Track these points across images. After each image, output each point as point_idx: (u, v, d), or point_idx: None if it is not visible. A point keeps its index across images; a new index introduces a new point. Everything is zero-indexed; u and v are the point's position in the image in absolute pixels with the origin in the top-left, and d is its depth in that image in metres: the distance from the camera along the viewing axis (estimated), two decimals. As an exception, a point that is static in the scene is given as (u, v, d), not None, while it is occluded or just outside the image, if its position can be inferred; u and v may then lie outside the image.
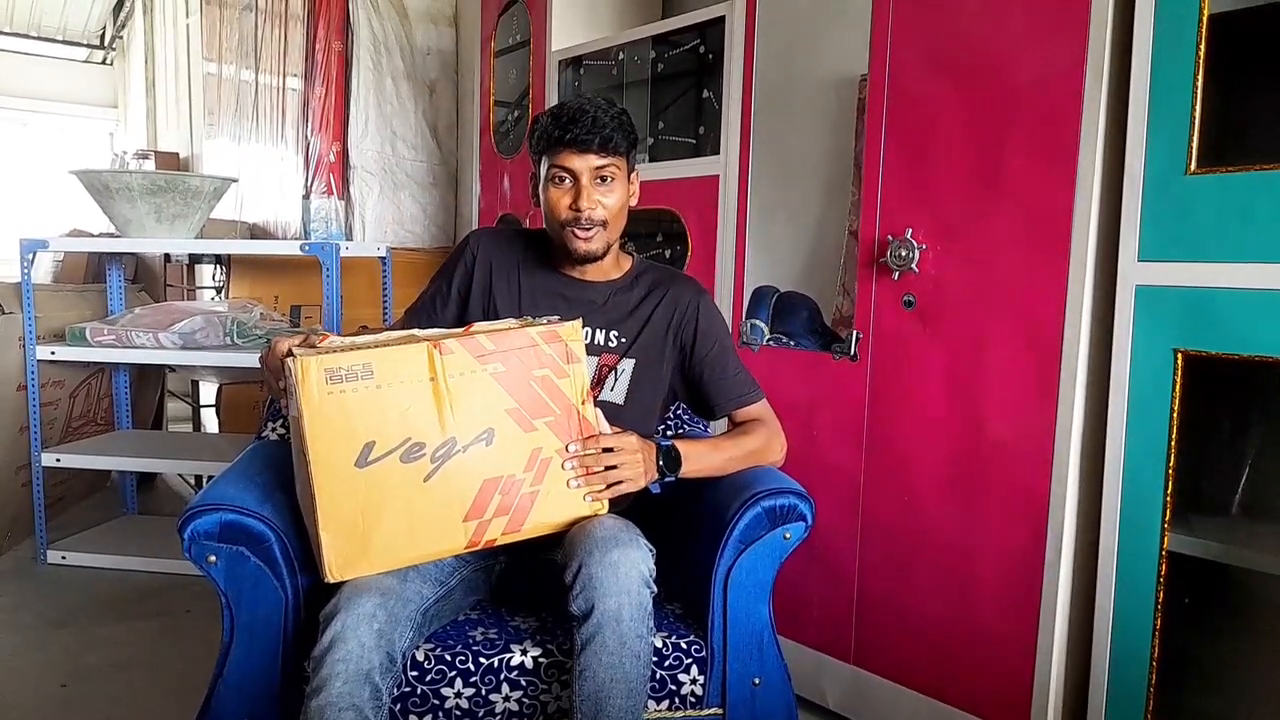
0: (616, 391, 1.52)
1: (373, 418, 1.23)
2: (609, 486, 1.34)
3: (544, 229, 1.55)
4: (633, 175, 1.52)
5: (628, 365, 1.53)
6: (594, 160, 1.43)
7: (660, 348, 1.55)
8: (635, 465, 1.35)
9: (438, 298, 1.59)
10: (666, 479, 1.41)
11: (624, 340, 1.53)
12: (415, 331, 1.35)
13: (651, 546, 1.30)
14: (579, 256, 1.48)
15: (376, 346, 1.26)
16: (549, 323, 1.34)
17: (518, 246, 1.59)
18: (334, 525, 1.22)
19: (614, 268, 1.56)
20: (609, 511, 1.36)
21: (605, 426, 1.38)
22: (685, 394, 1.61)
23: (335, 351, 1.23)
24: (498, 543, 1.30)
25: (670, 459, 1.41)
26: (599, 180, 1.44)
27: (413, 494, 1.25)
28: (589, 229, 1.45)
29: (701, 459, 1.46)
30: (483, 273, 1.56)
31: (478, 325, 1.35)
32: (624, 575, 1.23)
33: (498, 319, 1.50)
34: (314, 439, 1.21)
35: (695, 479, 1.46)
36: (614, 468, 1.34)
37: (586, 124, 1.40)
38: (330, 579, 1.23)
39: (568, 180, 1.44)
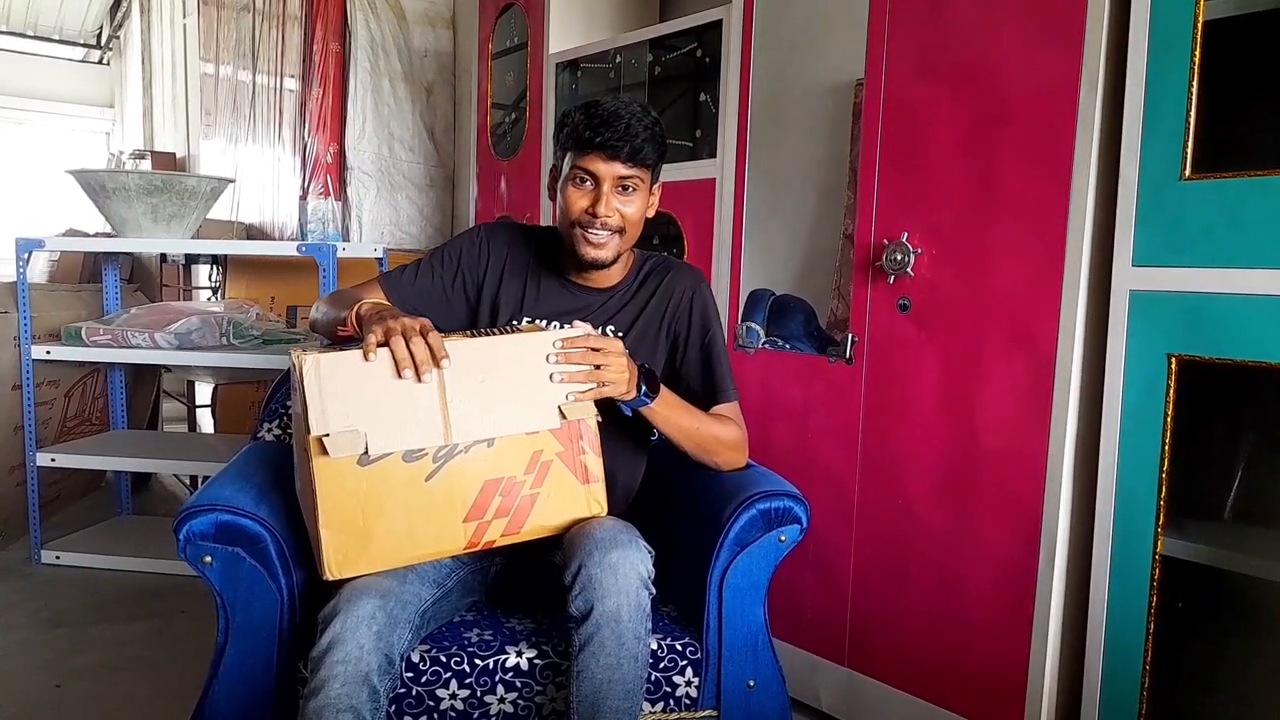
0: None
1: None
2: (591, 389, 1.32)
3: (551, 227, 1.54)
4: (655, 187, 1.49)
5: None
6: (620, 169, 1.40)
7: (655, 336, 1.54)
8: (620, 371, 1.33)
9: (434, 272, 1.53)
10: (641, 400, 1.38)
11: (619, 333, 1.51)
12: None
13: (650, 548, 1.31)
14: (587, 262, 1.45)
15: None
16: (552, 328, 1.34)
17: (530, 246, 1.57)
18: (335, 523, 1.22)
19: (619, 270, 1.54)
20: (605, 512, 1.36)
21: (591, 330, 1.36)
22: (668, 379, 1.59)
23: (339, 349, 1.24)
24: (497, 544, 1.31)
25: (650, 380, 1.39)
26: (621, 189, 1.42)
27: (414, 493, 1.25)
28: (602, 235, 1.42)
29: (675, 409, 1.44)
30: (495, 271, 1.54)
31: (482, 329, 1.35)
32: (623, 576, 1.23)
33: (499, 316, 1.51)
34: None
35: (662, 430, 1.44)
36: (599, 370, 1.32)
37: (619, 130, 1.37)
38: (329, 577, 1.24)
39: (589, 183, 1.41)
